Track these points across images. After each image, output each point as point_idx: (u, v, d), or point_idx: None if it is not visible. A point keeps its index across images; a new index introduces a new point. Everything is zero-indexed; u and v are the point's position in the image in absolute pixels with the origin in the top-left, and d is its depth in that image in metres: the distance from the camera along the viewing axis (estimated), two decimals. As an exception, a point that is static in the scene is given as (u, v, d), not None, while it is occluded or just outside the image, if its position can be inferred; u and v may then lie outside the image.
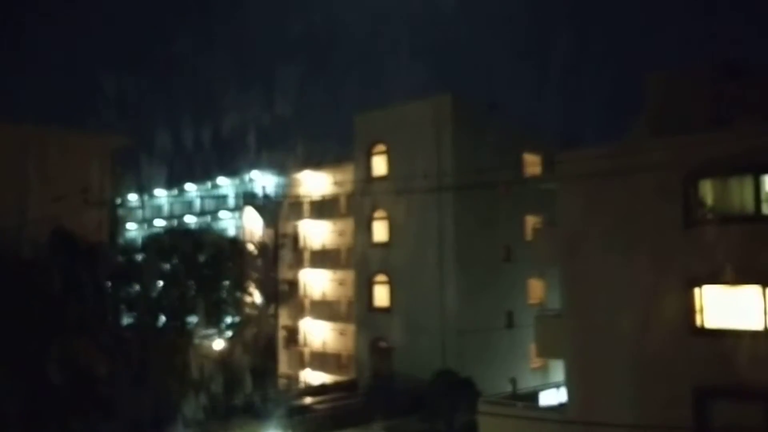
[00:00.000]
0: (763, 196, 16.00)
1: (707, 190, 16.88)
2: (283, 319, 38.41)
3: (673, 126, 18.37)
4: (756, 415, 15.39)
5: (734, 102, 18.56)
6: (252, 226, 48.92)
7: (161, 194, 59.12)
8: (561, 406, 20.28)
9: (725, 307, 16.22)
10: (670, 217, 16.89)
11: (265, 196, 50.58)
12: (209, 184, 57.89)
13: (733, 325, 15.93)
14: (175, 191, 58.71)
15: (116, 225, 28.52)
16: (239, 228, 51.05)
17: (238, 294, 41.70)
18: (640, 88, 21.00)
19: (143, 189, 55.41)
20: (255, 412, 23.04)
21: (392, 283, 30.98)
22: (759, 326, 15.52)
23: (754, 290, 15.69)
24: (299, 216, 37.20)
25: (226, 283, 40.24)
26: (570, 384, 18.94)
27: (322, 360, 35.22)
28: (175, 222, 54.70)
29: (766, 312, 15.47)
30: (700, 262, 16.30)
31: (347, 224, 34.46)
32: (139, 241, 46.09)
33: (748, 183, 16.22)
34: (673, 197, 16.85)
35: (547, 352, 21.79)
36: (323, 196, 33.90)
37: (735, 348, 15.51)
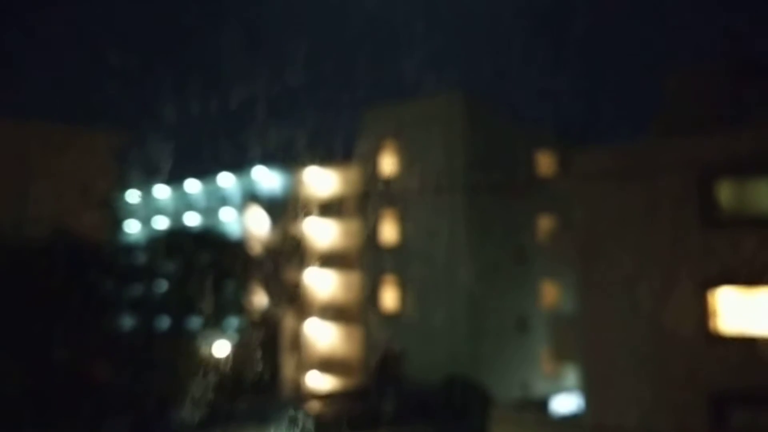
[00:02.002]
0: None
1: (725, 191, 16.51)
2: (289, 321, 38.06)
3: (690, 125, 18.08)
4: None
5: (753, 100, 18.24)
6: (257, 225, 48.58)
7: (164, 192, 58.89)
8: (576, 415, 20.04)
9: (743, 310, 15.89)
10: (687, 218, 16.57)
11: (271, 195, 50.29)
12: (213, 182, 57.64)
13: (751, 328, 15.63)
14: (179, 189, 58.45)
15: (118, 223, 28.29)
16: (243, 227, 50.75)
17: (242, 295, 41.40)
18: (658, 87, 20.74)
19: (145, 187, 55.19)
20: (259, 417, 22.71)
21: (401, 285, 30.61)
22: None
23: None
24: (306, 215, 36.84)
25: (230, 283, 39.95)
26: (585, 389, 18.73)
27: (328, 363, 34.83)
28: (178, 221, 54.41)
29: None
30: (718, 264, 16.00)
31: (355, 224, 34.08)
32: (141, 240, 45.85)
33: (766, 184, 15.90)
34: (690, 198, 16.54)
35: (563, 355, 21.73)
36: (331, 195, 33.56)
37: (753, 352, 15.26)
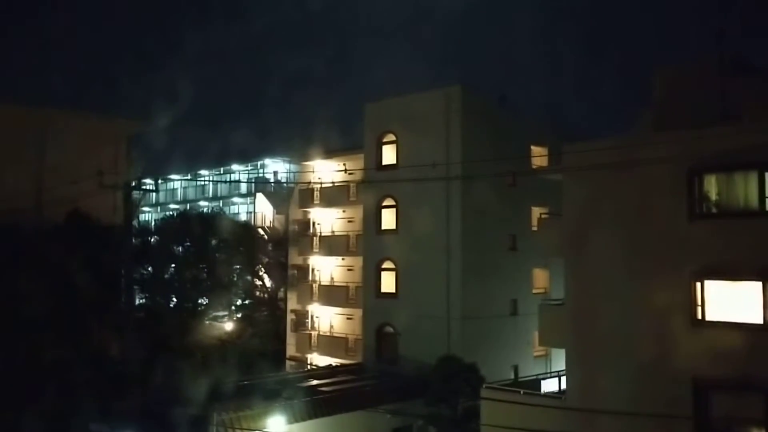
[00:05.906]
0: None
1: (712, 185, 16.88)
2: (292, 303, 38.92)
3: (679, 120, 18.45)
4: (754, 407, 15.62)
5: (741, 97, 18.60)
6: (263, 212, 49.52)
7: (176, 179, 59.77)
8: (561, 392, 20.55)
9: (726, 300, 16.36)
10: (674, 210, 16.99)
11: (277, 183, 51.15)
12: (223, 170, 58.55)
13: (734, 318, 16.08)
14: (190, 176, 59.36)
15: (131, 208, 29.02)
16: (251, 213, 51.65)
17: (249, 278, 42.34)
18: (648, 82, 21.14)
19: (158, 173, 56.06)
20: (263, 393, 23.46)
21: (399, 270, 31.28)
22: (758, 320, 15.68)
23: (754, 285, 15.83)
24: (310, 203, 37.58)
25: (237, 266, 40.87)
26: (570, 372, 19.14)
27: (329, 344, 35.64)
28: (188, 206, 55.39)
29: (765, 307, 15.61)
30: (703, 256, 16.45)
31: (356, 211, 34.79)
32: (153, 224, 46.78)
33: (752, 179, 16.22)
34: (678, 191, 16.94)
35: (549, 340, 22.01)
36: (333, 184, 34.21)
37: (734, 341, 15.73)
